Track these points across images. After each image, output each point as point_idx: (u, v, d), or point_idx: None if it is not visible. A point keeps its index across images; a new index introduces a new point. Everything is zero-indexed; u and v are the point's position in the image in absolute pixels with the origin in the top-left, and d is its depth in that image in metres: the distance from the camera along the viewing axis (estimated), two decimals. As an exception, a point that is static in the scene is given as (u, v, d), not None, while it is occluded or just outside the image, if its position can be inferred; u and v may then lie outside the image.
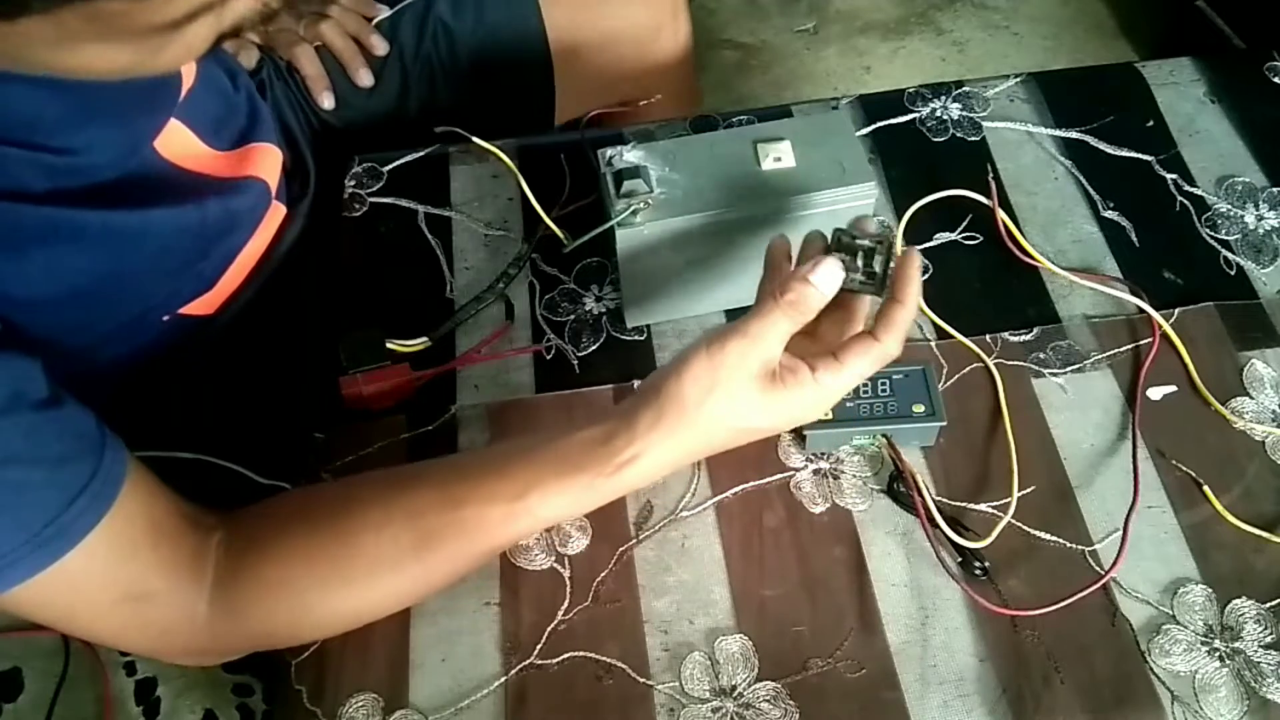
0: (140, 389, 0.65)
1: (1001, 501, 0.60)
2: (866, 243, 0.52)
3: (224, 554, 0.53)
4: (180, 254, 0.61)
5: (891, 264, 0.53)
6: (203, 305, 0.67)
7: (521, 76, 0.90)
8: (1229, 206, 0.72)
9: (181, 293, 0.64)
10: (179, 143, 0.62)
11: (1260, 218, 0.72)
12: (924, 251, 0.71)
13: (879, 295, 0.53)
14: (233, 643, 0.55)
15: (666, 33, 0.94)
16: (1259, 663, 0.55)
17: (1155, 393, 0.64)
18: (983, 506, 0.60)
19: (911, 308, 0.52)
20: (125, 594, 0.50)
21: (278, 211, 0.73)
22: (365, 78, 0.84)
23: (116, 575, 0.49)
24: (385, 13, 0.87)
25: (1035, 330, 0.67)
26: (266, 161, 0.71)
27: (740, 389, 0.51)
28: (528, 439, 0.55)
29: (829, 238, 0.54)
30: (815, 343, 0.55)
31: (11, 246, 0.49)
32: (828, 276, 0.51)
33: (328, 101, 0.83)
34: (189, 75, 0.62)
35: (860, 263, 0.52)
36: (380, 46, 0.85)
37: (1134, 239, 0.71)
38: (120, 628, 0.51)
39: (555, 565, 0.59)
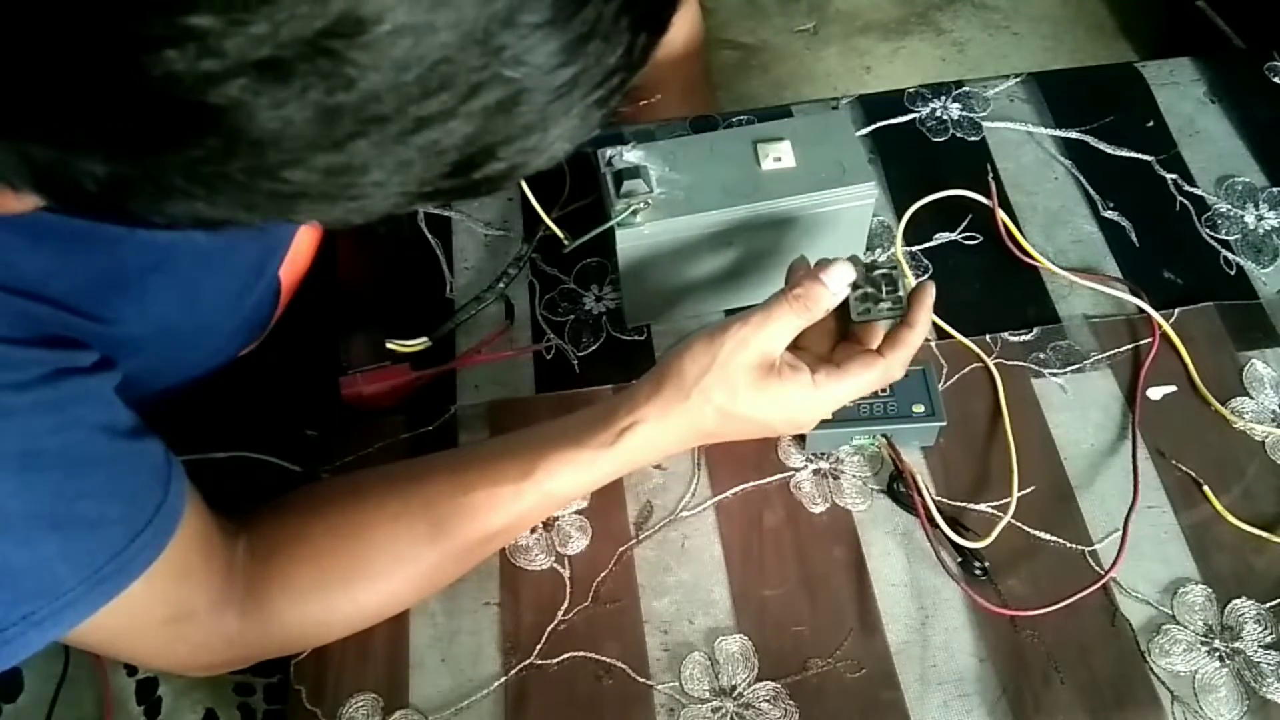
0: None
1: (1001, 501, 0.60)
2: (884, 269, 0.54)
3: (249, 561, 0.52)
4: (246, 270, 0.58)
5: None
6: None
7: None
8: (1229, 206, 0.72)
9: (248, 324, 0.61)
10: None
11: (1260, 218, 0.72)
12: (924, 251, 0.71)
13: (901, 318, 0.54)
14: (264, 649, 0.55)
15: (678, 26, 0.93)
16: (1259, 663, 0.55)
17: (1155, 393, 0.64)
18: (983, 506, 0.60)
19: (920, 333, 0.54)
20: (172, 616, 0.49)
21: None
22: None
23: (167, 600, 0.48)
24: None
25: (1035, 330, 0.66)
26: None
27: (736, 373, 0.52)
28: (533, 426, 0.56)
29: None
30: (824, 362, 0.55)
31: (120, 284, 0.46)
32: (839, 276, 0.52)
33: None
34: None
35: (884, 289, 0.53)
36: None
37: (1134, 239, 0.71)
38: (159, 648, 0.51)
39: (555, 565, 0.59)
